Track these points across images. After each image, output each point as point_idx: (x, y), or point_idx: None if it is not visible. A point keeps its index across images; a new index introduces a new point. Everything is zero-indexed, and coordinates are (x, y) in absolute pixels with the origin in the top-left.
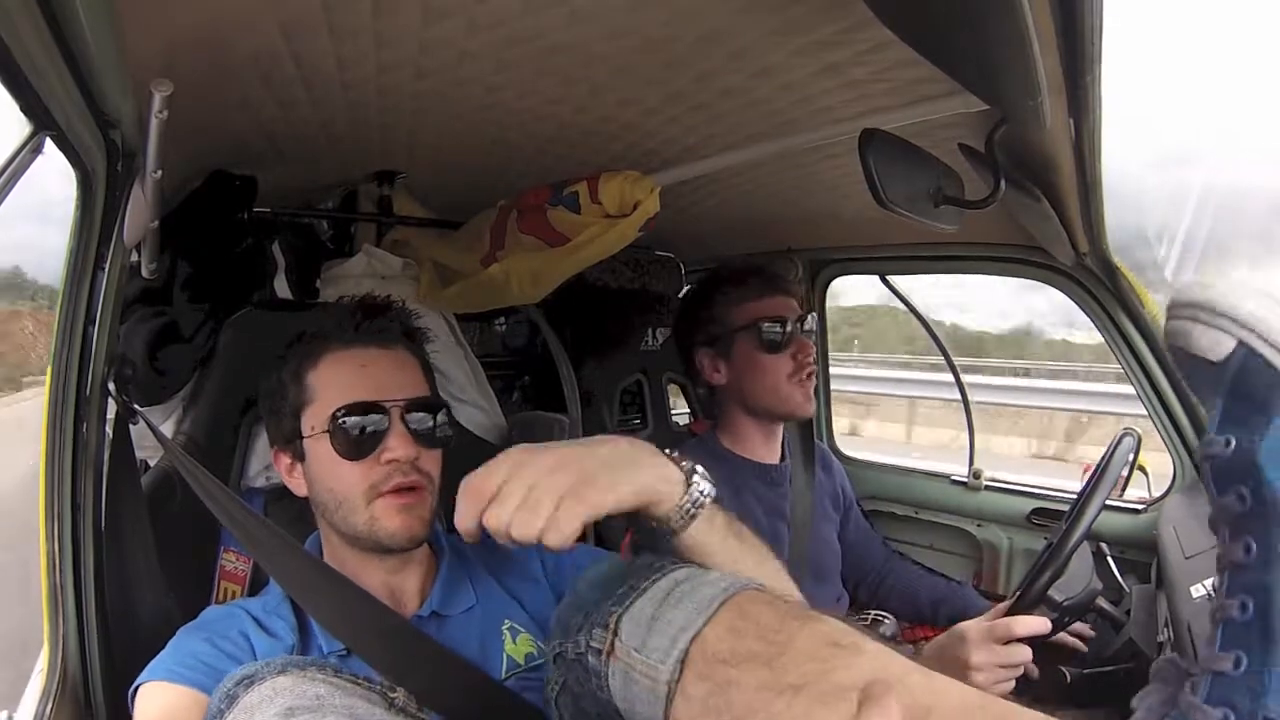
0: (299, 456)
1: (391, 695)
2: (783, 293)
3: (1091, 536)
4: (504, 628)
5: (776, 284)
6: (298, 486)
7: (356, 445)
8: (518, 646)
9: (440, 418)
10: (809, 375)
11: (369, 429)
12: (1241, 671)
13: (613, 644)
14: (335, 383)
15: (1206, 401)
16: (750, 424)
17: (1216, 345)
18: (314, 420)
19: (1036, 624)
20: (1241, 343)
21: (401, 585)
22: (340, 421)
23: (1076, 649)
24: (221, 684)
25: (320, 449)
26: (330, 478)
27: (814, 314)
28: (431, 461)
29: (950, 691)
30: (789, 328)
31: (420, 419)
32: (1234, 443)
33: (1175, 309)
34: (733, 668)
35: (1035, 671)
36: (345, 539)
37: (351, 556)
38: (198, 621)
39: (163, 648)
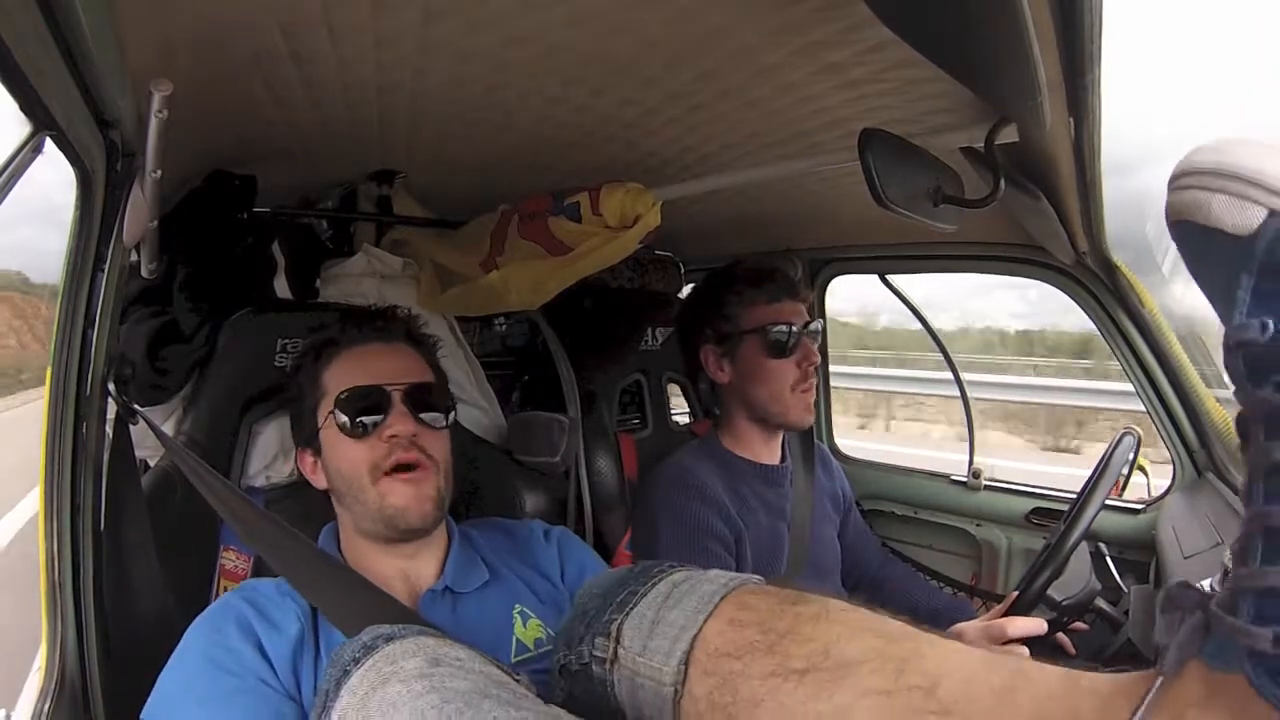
0: (318, 451)
1: (516, 677)
2: (795, 298)
3: (1090, 536)
4: (515, 611)
5: (790, 289)
6: (319, 481)
7: (360, 424)
8: (527, 631)
9: (445, 404)
10: (810, 385)
11: (370, 408)
12: None
13: (616, 651)
14: (343, 375)
15: (1225, 284)
16: (751, 426)
17: (1242, 216)
18: (325, 410)
19: (1032, 625)
20: (1274, 212)
21: (418, 570)
22: (344, 403)
23: (1066, 650)
24: (358, 637)
25: (331, 435)
26: (339, 460)
27: (820, 319)
28: (434, 442)
29: (959, 658)
30: (796, 331)
31: (421, 402)
32: (1271, 326)
33: (1183, 179)
34: (736, 660)
35: None
36: (361, 530)
37: (369, 548)
38: (184, 646)
39: (161, 647)
